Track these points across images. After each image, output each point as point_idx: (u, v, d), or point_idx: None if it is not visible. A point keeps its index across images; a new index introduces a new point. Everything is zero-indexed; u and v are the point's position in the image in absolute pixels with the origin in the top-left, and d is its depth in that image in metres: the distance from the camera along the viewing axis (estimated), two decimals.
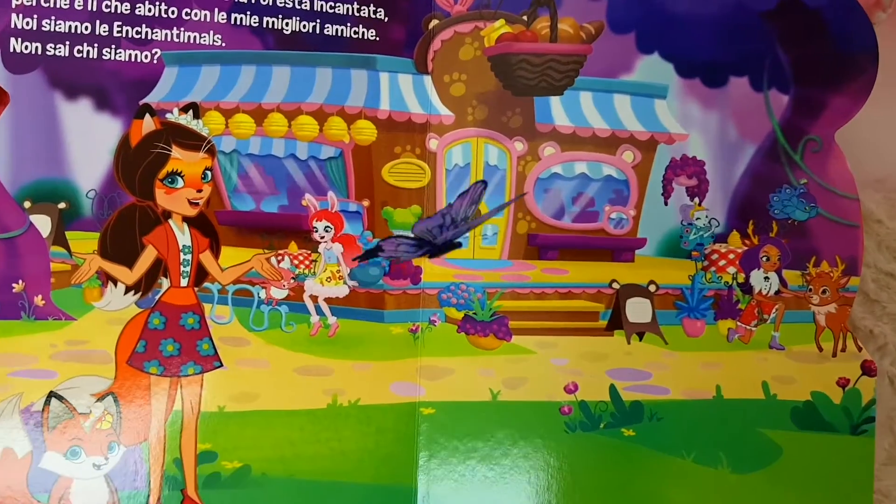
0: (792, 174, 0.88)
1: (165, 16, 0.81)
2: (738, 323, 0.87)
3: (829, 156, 0.87)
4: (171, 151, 0.78)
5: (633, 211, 0.88)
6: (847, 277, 0.87)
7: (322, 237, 0.84)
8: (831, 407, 0.86)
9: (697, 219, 0.87)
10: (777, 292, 0.88)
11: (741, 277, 0.87)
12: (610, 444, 0.84)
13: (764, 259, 0.87)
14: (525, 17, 0.87)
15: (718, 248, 0.87)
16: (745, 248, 0.88)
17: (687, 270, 0.87)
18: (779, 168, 0.88)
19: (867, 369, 0.86)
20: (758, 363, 0.86)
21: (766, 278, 0.87)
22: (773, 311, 0.87)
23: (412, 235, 0.79)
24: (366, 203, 0.85)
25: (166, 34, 0.81)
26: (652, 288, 0.87)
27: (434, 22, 0.86)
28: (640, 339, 0.86)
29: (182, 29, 0.81)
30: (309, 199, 0.84)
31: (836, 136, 0.86)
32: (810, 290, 0.87)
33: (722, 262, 0.87)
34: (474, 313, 0.85)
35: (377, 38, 0.85)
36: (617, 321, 0.86)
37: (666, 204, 0.88)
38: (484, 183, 0.80)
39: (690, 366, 0.86)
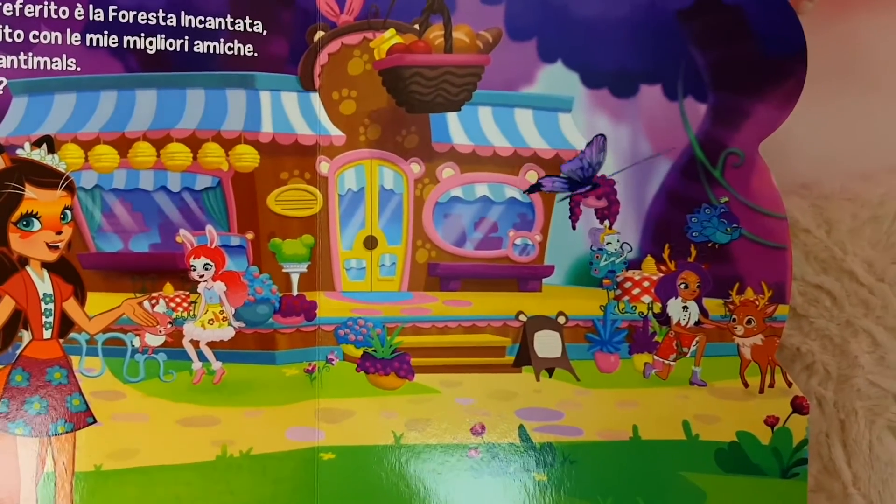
0: (711, 192, 0.82)
1: (10, 40, 0.73)
2: (655, 357, 0.81)
3: (753, 171, 0.80)
4: (24, 191, 0.71)
5: (539, 236, 0.82)
6: (774, 305, 0.81)
7: (201, 276, 0.78)
8: (759, 448, 0.80)
9: (608, 243, 0.81)
10: (697, 323, 0.82)
11: (657, 307, 0.82)
12: (521, 489, 0.78)
13: (682, 286, 0.81)
14: (417, 26, 0.80)
15: (632, 275, 0.81)
16: (661, 274, 0.82)
17: (598, 300, 0.81)
18: (697, 186, 0.81)
19: (798, 407, 0.80)
20: (678, 401, 0.81)
21: (685, 308, 0.82)
22: (694, 343, 0.82)
23: (564, 175, 0.79)
24: (250, 236, 0.79)
25: (12, 60, 0.74)
26: (561, 320, 0.81)
27: (319, 34, 0.79)
28: (550, 376, 0.81)
29: (30, 54, 0.74)
30: (184, 235, 0.78)
31: (760, 149, 0.80)
32: (734, 319, 0.81)
33: (636, 291, 0.81)
34: (374, 350, 0.79)
35: (255, 54, 0.78)
36: (525, 356, 0.80)
37: (574, 228, 0.82)
38: (603, 136, 0.79)
39: (605, 404, 0.80)
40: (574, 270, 0.82)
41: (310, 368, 0.79)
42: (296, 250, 0.80)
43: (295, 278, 0.80)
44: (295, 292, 0.79)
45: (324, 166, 0.79)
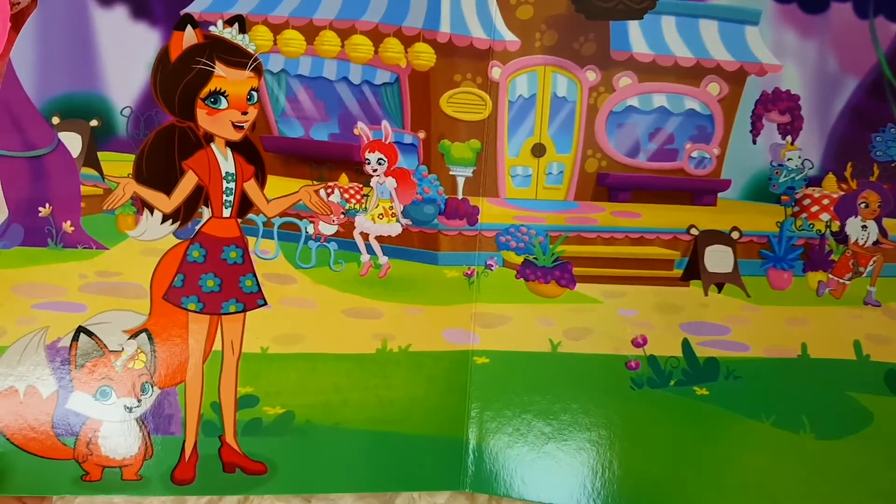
0: None
1: None
2: (830, 276, 0.80)
3: None
4: (214, 68, 0.72)
5: (718, 149, 0.81)
6: None
7: (375, 170, 0.78)
8: None
9: (789, 159, 0.80)
10: (876, 243, 0.80)
11: (836, 225, 0.80)
12: (680, 403, 0.78)
13: (862, 206, 0.80)
14: None
15: (811, 192, 0.80)
16: (842, 192, 0.80)
17: (775, 216, 0.80)
18: (883, 105, 0.79)
19: None
20: (850, 320, 0.79)
21: (864, 227, 0.80)
22: (871, 263, 0.80)
23: None
24: (422, 135, 0.79)
25: None
26: (735, 235, 0.80)
27: None
28: (719, 291, 0.80)
29: None
30: (361, 128, 0.79)
31: None
32: None
33: (815, 209, 0.80)
34: (535, 258, 0.79)
35: None
36: (694, 271, 0.79)
37: (754, 142, 0.80)
38: None
39: (774, 321, 0.79)
40: (751, 185, 0.80)
41: (469, 272, 0.79)
42: (463, 154, 0.80)
43: (460, 182, 0.80)
44: (460, 195, 0.79)
45: (496, 71, 0.79)
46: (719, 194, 0.81)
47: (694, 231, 0.80)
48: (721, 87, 0.81)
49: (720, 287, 0.80)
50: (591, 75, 0.80)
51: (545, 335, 0.79)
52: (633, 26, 0.80)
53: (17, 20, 0.74)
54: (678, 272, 0.80)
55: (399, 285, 0.79)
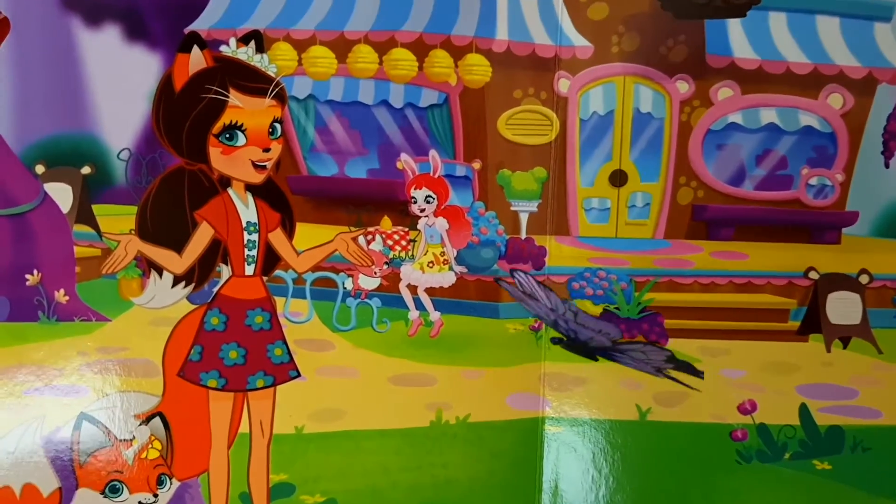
0: None
1: None
2: None
3: None
4: (228, 97, 0.62)
5: (842, 175, 0.72)
6: None
7: (422, 210, 0.69)
8: None
9: None
10: None
11: None
12: (798, 479, 0.69)
13: None
14: None
15: None
16: None
17: None
18: None
19: None
20: None
21: None
22: None
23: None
24: (477, 165, 0.70)
25: None
26: (863, 279, 0.71)
27: None
28: (845, 347, 0.71)
29: None
30: (405, 161, 0.69)
31: None
32: None
33: None
34: (617, 308, 0.70)
35: None
36: (813, 322, 0.71)
37: (887, 166, 0.71)
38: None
39: None
40: (884, 219, 0.71)
41: (536, 325, 0.70)
42: (526, 185, 0.71)
43: (524, 218, 0.71)
44: (523, 235, 0.70)
45: (563, 84, 0.69)
46: (844, 230, 0.72)
47: (813, 275, 0.71)
48: (845, 98, 0.71)
49: (845, 342, 0.72)
50: (683, 86, 0.71)
51: (631, 400, 0.70)
52: (734, 25, 0.70)
53: None
54: (794, 324, 0.72)
55: (454, 345, 0.71)
